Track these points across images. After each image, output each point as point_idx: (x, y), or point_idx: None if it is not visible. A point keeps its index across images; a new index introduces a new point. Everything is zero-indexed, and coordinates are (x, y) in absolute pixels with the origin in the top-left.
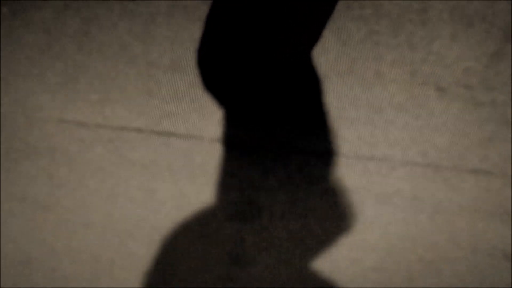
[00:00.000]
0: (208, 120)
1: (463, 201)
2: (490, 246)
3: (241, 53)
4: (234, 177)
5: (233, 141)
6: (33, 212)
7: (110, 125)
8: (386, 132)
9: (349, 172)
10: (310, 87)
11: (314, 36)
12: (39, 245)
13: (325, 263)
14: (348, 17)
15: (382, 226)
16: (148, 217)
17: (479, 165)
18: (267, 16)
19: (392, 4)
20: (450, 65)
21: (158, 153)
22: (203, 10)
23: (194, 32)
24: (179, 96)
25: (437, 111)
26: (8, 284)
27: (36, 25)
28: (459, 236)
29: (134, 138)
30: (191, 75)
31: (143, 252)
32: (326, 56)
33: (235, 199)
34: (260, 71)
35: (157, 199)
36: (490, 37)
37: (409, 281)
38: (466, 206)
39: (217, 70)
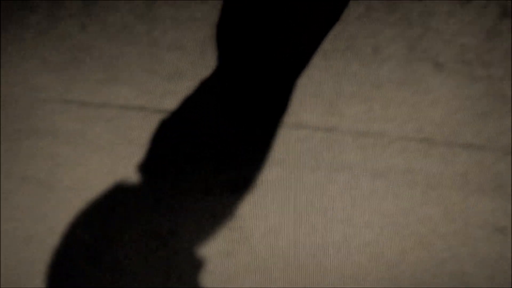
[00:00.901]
0: None
1: (456, 175)
2: (482, 220)
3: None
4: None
5: (233, 118)
6: (34, 191)
7: (112, 104)
8: (384, 108)
9: (345, 148)
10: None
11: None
12: (40, 222)
13: (320, 238)
14: None
15: (377, 201)
16: (148, 195)
17: (472, 140)
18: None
19: None
20: (448, 41)
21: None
22: None
23: (195, 11)
24: (181, 75)
25: (435, 86)
26: (12, 261)
27: (39, 6)
28: (451, 210)
29: (135, 116)
30: (193, 54)
31: (145, 228)
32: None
33: (231, 176)
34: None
35: (156, 176)
36: (487, 13)
37: (402, 254)
38: (458, 180)
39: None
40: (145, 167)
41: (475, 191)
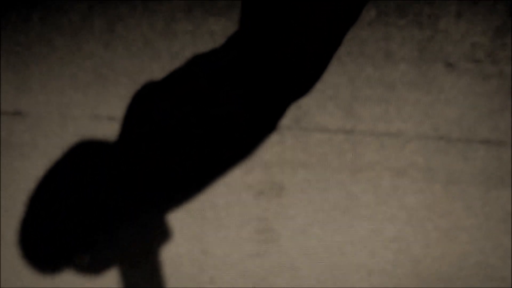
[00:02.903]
0: None
1: (476, 170)
2: (504, 212)
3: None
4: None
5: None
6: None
7: None
8: (399, 109)
9: (365, 148)
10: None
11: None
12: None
13: (346, 235)
14: None
15: (399, 198)
16: (174, 197)
17: (489, 135)
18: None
19: None
20: (458, 41)
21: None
22: (220, 4)
23: (212, 25)
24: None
25: (447, 86)
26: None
27: (64, 28)
28: (473, 204)
29: None
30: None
31: (177, 233)
32: None
33: (258, 177)
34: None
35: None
36: (495, 11)
37: (427, 248)
38: (478, 175)
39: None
40: (171, 171)
41: (496, 185)
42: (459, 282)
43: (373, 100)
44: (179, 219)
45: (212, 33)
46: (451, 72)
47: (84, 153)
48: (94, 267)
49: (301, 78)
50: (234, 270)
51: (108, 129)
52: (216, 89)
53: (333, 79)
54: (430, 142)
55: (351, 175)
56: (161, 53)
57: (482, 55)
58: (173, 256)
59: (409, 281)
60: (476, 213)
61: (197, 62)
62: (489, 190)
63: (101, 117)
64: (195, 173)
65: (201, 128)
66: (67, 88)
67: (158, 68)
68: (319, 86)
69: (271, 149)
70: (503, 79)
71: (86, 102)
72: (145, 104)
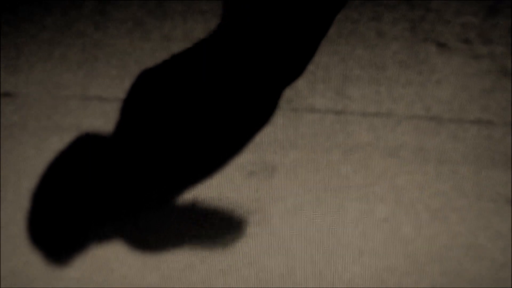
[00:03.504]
0: None
1: (467, 150)
2: (494, 192)
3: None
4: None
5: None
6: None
7: None
8: (390, 89)
9: (356, 129)
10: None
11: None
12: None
13: (337, 216)
14: None
15: (390, 178)
16: (168, 184)
17: (480, 115)
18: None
19: None
20: (449, 21)
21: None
22: None
23: (203, 5)
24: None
25: (438, 66)
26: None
27: (54, 8)
28: (463, 184)
29: None
30: (202, 44)
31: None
32: (329, 19)
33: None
34: None
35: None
36: None
37: (418, 229)
38: (469, 155)
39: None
40: (161, 154)
41: (486, 165)
42: (449, 262)
43: (364, 81)
44: (170, 201)
45: (203, 13)
46: (443, 53)
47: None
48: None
49: (293, 61)
50: (226, 251)
51: (98, 110)
52: (210, 73)
53: (324, 59)
54: (421, 122)
55: (342, 155)
56: (152, 33)
57: (473, 35)
58: (168, 236)
59: (400, 261)
60: (467, 194)
61: (191, 44)
62: (480, 170)
63: (92, 97)
64: (189, 157)
65: (195, 112)
66: (57, 68)
67: (149, 48)
68: (310, 67)
69: (262, 130)
70: (494, 59)
71: (76, 83)
72: (144, 89)
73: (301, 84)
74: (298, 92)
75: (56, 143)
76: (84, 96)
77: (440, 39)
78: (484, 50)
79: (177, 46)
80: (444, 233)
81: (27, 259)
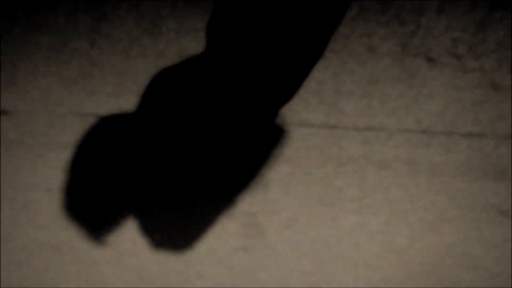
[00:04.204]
0: None
1: (459, 162)
2: (486, 204)
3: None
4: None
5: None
6: (59, 200)
7: (126, 114)
8: (382, 103)
9: (349, 143)
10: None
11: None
12: (67, 230)
13: (332, 229)
14: None
15: (383, 191)
16: (166, 195)
17: (471, 128)
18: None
19: None
20: (439, 36)
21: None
22: (204, 1)
23: (197, 21)
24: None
25: (429, 80)
26: (41, 268)
27: (50, 27)
28: (456, 196)
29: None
30: (197, 62)
31: (162, 229)
32: None
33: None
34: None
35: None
36: (476, 6)
37: (411, 240)
38: (461, 167)
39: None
40: (155, 167)
41: (478, 177)
42: (443, 272)
43: (356, 95)
44: (164, 215)
45: (196, 30)
46: (433, 67)
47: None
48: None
49: (287, 83)
50: (221, 265)
51: (94, 127)
52: (207, 91)
53: (317, 74)
54: (413, 135)
55: (336, 169)
56: (146, 51)
57: (463, 49)
58: (159, 252)
59: (394, 272)
60: (459, 205)
61: (185, 62)
62: (472, 182)
63: (88, 114)
64: (184, 171)
65: (191, 129)
66: (53, 86)
67: (144, 65)
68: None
69: (256, 144)
70: (484, 73)
71: (72, 100)
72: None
73: (294, 98)
74: (291, 107)
75: (52, 160)
76: (80, 113)
77: (430, 54)
78: (474, 64)
79: (172, 63)
80: (438, 244)
81: (24, 272)
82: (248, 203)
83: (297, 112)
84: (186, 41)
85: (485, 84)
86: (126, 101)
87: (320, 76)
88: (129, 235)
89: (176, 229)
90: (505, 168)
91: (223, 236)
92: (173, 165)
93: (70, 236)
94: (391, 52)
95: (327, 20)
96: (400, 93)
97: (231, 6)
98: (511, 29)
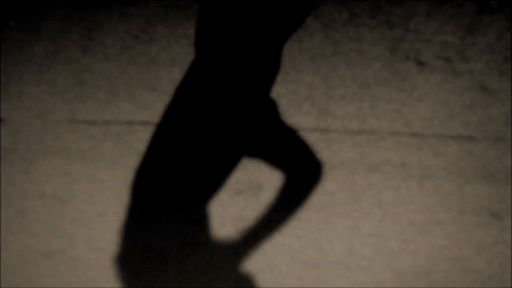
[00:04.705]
0: None
1: (449, 165)
2: (477, 206)
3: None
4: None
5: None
6: (52, 207)
7: (118, 121)
8: (373, 107)
9: (340, 146)
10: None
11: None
12: (60, 237)
13: (323, 233)
14: (329, 2)
15: (375, 194)
16: (158, 201)
17: (461, 131)
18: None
19: None
20: (428, 40)
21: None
22: (195, 8)
23: (188, 28)
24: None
25: (419, 84)
26: (35, 275)
27: (43, 35)
28: (447, 198)
29: (141, 130)
30: (188, 68)
31: (157, 236)
32: (311, 40)
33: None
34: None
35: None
36: (464, 10)
37: (403, 244)
38: (451, 170)
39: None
40: (150, 175)
41: (469, 179)
42: (435, 275)
43: (347, 99)
44: (159, 221)
45: (188, 37)
46: (423, 70)
47: None
48: None
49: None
50: (215, 267)
51: (87, 133)
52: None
53: (307, 79)
54: (403, 138)
55: (327, 172)
56: (138, 58)
57: (453, 53)
58: (153, 258)
59: (387, 276)
60: (450, 208)
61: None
62: (462, 185)
63: (80, 121)
64: (179, 178)
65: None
66: (46, 94)
67: (136, 72)
68: (293, 86)
69: (249, 148)
70: (473, 76)
71: (65, 107)
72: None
73: (285, 102)
74: (282, 111)
75: (46, 167)
76: (72, 120)
77: (420, 58)
78: (463, 67)
79: (164, 70)
80: (429, 247)
81: (18, 281)
82: (240, 207)
83: (288, 116)
84: (178, 48)
85: (474, 87)
86: (119, 108)
87: (310, 81)
88: (122, 240)
89: (169, 232)
90: (495, 170)
91: (215, 242)
92: (170, 167)
93: (64, 243)
94: (381, 56)
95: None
96: (390, 96)
97: (231, 6)
98: (499, 33)
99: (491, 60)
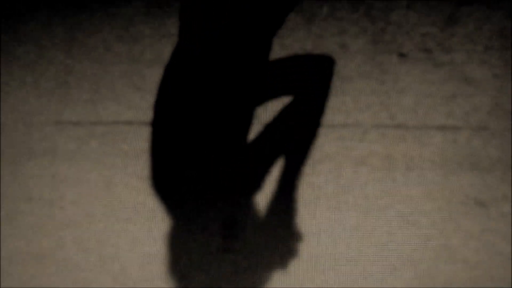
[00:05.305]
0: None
1: (433, 155)
2: (463, 195)
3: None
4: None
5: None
6: (40, 209)
7: (103, 121)
8: (356, 100)
9: (325, 140)
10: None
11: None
12: (49, 238)
13: (311, 226)
14: None
15: (361, 187)
16: (145, 201)
17: (444, 121)
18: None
19: None
20: (409, 32)
21: (149, 142)
22: (177, 7)
23: (170, 27)
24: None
25: (401, 75)
26: (25, 278)
27: (26, 37)
28: (432, 188)
29: (126, 130)
30: (171, 68)
31: (144, 234)
32: (294, 36)
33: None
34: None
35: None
36: (443, 2)
37: (390, 235)
38: (436, 161)
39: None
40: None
41: (454, 169)
42: (422, 265)
43: (330, 93)
44: (148, 220)
45: (170, 36)
46: (405, 62)
47: None
48: None
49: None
50: (203, 266)
51: (72, 134)
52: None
53: None
54: (387, 130)
55: (313, 166)
56: (121, 57)
57: (433, 44)
58: (141, 256)
59: (375, 267)
60: (436, 198)
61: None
62: (447, 174)
63: (65, 122)
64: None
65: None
66: (31, 96)
67: (119, 72)
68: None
69: (235, 143)
70: (454, 66)
71: (49, 109)
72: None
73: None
74: (267, 107)
75: (32, 169)
76: (58, 121)
77: (401, 50)
78: (444, 58)
79: (147, 69)
80: (416, 237)
81: (8, 283)
82: (229, 204)
83: (273, 112)
84: (160, 46)
85: (456, 77)
86: (104, 108)
87: None
88: (111, 240)
89: (157, 233)
90: (479, 160)
91: (206, 238)
92: (167, 168)
93: (53, 244)
94: (363, 49)
95: None
96: (373, 89)
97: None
98: (479, 23)
99: (472, 50)
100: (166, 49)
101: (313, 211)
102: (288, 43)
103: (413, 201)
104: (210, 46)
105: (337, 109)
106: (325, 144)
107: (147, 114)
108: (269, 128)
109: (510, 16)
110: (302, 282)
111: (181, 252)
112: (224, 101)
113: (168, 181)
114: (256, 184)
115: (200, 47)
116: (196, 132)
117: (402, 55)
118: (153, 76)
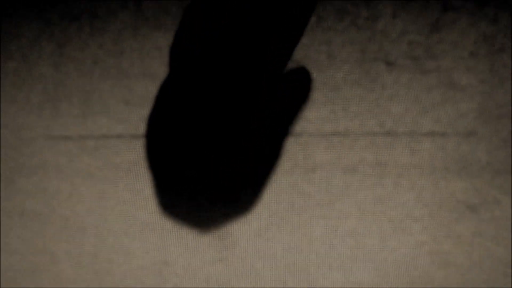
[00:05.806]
0: None
1: (423, 162)
2: (453, 200)
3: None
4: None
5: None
6: (32, 224)
7: (93, 135)
8: (345, 108)
9: (315, 149)
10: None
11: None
12: (42, 253)
13: (303, 235)
14: None
15: (352, 194)
16: (137, 214)
17: (433, 127)
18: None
19: None
20: (395, 40)
21: (139, 155)
22: (165, 20)
23: (158, 41)
24: (152, 100)
25: (389, 83)
26: None
27: (14, 53)
28: (423, 194)
29: (116, 143)
30: (161, 80)
31: (137, 247)
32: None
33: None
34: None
35: (144, 197)
36: (428, 9)
37: (382, 242)
38: (426, 166)
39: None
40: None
41: (444, 175)
42: (416, 271)
43: (319, 102)
44: (138, 232)
45: (159, 49)
46: (392, 70)
47: None
48: None
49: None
50: (197, 277)
51: (62, 148)
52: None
53: None
54: (377, 138)
55: (303, 176)
56: (110, 71)
57: (420, 51)
58: (135, 269)
59: (367, 274)
60: (427, 203)
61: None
62: (437, 180)
63: (56, 137)
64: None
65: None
66: (20, 111)
67: (109, 85)
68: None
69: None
70: (441, 73)
71: (39, 124)
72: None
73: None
74: (267, 107)
75: (23, 184)
76: (48, 136)
77: (388, 58)
78: (431, 65)
79: (136, 82)
80: (408, 243)
81: None
82: (222, 214)
83: (273, 112)
84: (149, 60)
85: (443, 84)
86: (93, 122)
87: None
88: (104, 254)
89: (149, 245)
90: (468, 164)
91: (197, 248)
92: (164, 169)
93: (46, 259)
94: (351, 58)
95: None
96: (361, 97)
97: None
98: (464, 29)
99: (458, 56)
100: (154, 62)
101: (304, 220)
102: None
103: (404, 207)
104: (210, 46)
105: (327, 118)
106: (315, 153)
107: (137, 127)
108: (269, 128)
109: (494, 22)
110: None
111: (177, 263)
112: (224, 101)
113: (168, 181)
114: (256, 183)
115: (200, 47)
116: (196, 132)
117: (389, 63)
118: (142, 90)
